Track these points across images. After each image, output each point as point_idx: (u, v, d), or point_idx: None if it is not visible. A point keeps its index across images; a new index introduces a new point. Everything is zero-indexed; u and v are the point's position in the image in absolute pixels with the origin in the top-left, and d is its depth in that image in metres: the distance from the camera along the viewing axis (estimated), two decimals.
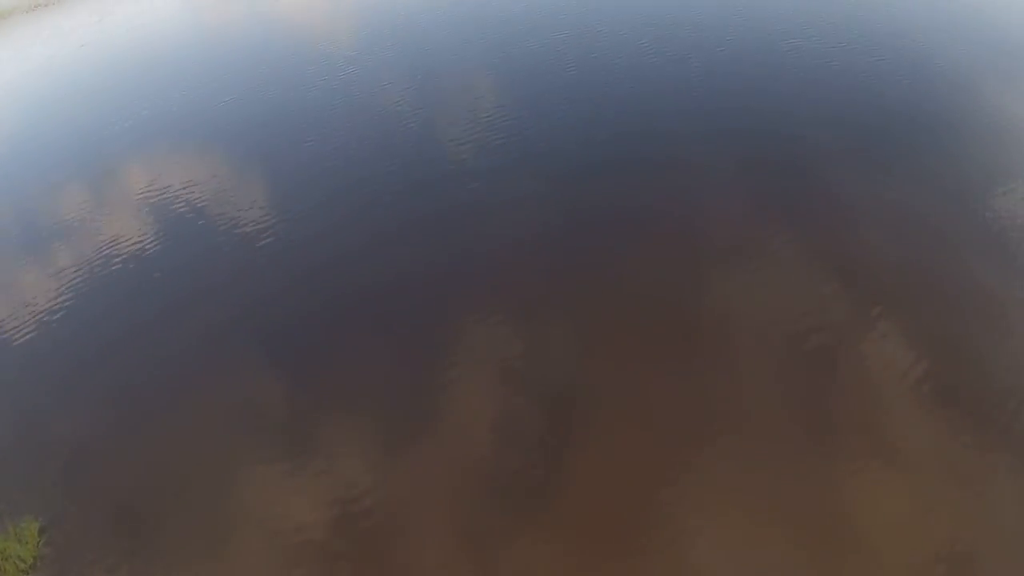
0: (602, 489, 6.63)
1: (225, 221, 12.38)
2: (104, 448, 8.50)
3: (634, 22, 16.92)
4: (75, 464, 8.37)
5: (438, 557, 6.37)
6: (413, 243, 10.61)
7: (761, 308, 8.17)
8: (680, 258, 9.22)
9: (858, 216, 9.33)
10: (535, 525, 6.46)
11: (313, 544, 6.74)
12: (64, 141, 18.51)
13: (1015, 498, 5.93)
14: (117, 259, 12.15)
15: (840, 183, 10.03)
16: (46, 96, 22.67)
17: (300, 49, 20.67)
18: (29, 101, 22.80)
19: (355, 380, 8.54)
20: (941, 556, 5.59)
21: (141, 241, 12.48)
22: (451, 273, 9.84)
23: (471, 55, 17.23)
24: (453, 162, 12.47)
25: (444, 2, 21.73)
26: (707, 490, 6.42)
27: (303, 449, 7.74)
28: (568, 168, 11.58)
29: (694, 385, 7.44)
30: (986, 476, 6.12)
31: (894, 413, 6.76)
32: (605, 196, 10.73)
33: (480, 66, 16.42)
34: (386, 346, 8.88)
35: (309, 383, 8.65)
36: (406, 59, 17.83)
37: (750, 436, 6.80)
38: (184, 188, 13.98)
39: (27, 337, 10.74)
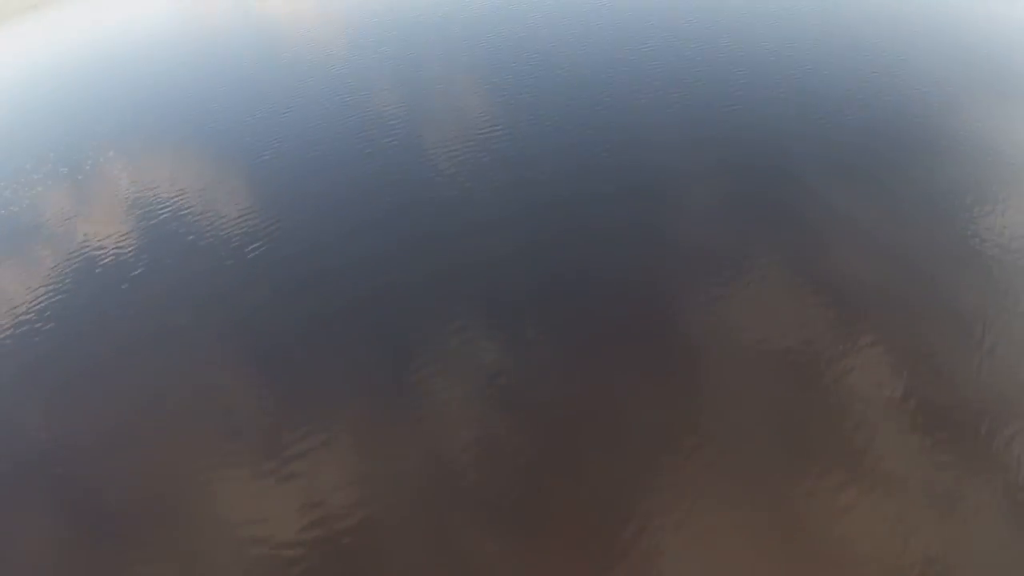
0: (582, 503, 6.58)
1: (208, 229, 12.30)
2: (79, 455, 8.39)
3: (626, 35, 16.97)
4: (46, 470, 8.25)
5: (416, 572, 6.31)
6: (397, 253, 10.56)
7: (742, 326, 8.15)
8: (663, 275, 9.20)
9: (837, 235, 9.35)
10: (514, 540, 6.40)
11: (290, 557, 6.66)
12: (48, 141, 18.41)
13: (991, 517, 5.91)
14: (96, 263, 12.05)
15: (821, 201, 10.05)
16: (34, 96, 22.56)
17: (291, 51, 20.66)
18: (17, 101, 22.69)
19: (336, 390, 8.47)
20: (919, 571, 5.57)
21: (122, 246, 12.39)
22: (435, 286, 9.79)
23: (462, 59, 17.23)
24: (442, 171, 12.43)
25: (430, 12, 21.75)
26: (685, 505, 6.38)
27: (280, 459, 7.65)
28: (554, 183, 11.56)
29: (673, 401, 7.41)
30: (963, 495, 6.10)
31: (872, 432, 6.74)
32: (591, 210, 10.71)
33: (471, 67, 16.43)
34: (368, 357, 8.82)
35: (289, 392, 8.57)
36: (395, 64, 17.82)
37: (729, 453, 6.77)
38: (170, 192, 13.90)
39: (4, 344, 10.62)
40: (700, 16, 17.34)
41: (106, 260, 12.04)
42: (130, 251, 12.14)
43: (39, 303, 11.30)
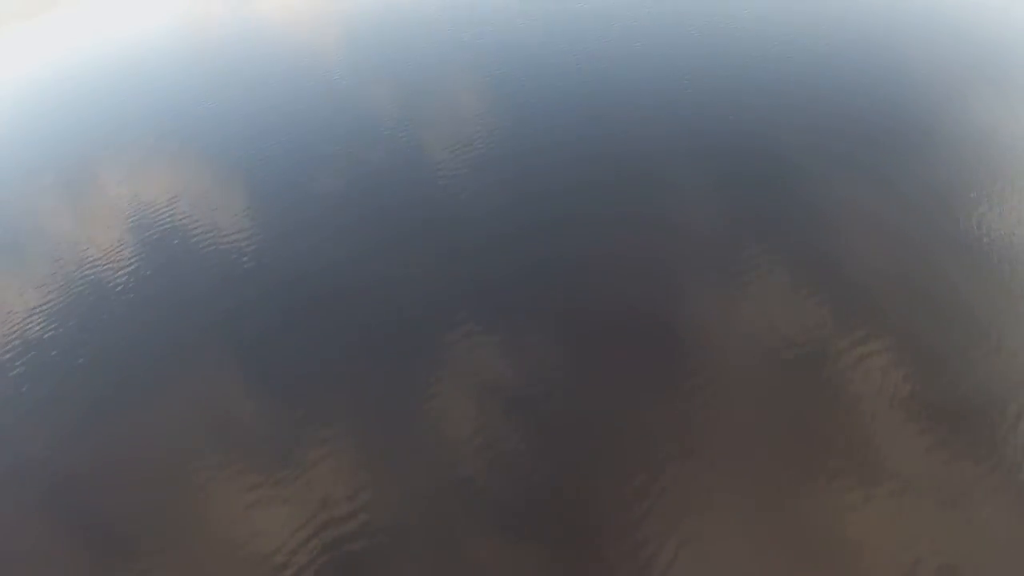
0: (589, 506, 6.56)
1: (207, 234, 12.26)
2: (76, 464, 8.36)
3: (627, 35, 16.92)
4: (44, 479, 8.22)
5: (417, 571, 6.29)
6: (399, 256, 10.52)
7: (748, 326, 8.12)
8: (668, 276, 9.16)
9: (843, 230, 9.31)
10: (520, 544, 6.37)
11: (292, 565, 6.63)
12: (47, 147, 18.34)
13: (1001, 515, 5.88)
14: (93, 269, 12.01)
15: (826, 197, 10.01)
16: (33, 99, 22.48)
17: (289, 55, 20.60)
18: (17, 105, 22.61)
19: (337, 395, 8.43)
20: (931, 571, 5.54)
21: (119, 253, 12.35)
22: (437, 290, 9.75)
23: (459, 64, 17.18)
24: (444, 174, 12.39)
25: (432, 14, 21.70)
26: (693, 507, 6.35)
27: (282, 466, 7.62)
28: (555, 186, 11.51)
29: (681, 403, 7.38)
30: (972, 493, 6.07)
31: (881, 430, 6.71)
32: (594, 213, 10.67)
33: (470, 73, 16.38)
34: (370, 361, 8.78)
35: (289, 398, 8.54)
36: (394, 68, 17.77)
37: (737, 453, 6.74)
38: (168, 199, 13.86)
39: (5, 355, 10.58)
40: (703, 10, 17.30)
41: (106, 267, 11.99)
42: (130, 258, 12.09)
43: (38, 312, 11.25)
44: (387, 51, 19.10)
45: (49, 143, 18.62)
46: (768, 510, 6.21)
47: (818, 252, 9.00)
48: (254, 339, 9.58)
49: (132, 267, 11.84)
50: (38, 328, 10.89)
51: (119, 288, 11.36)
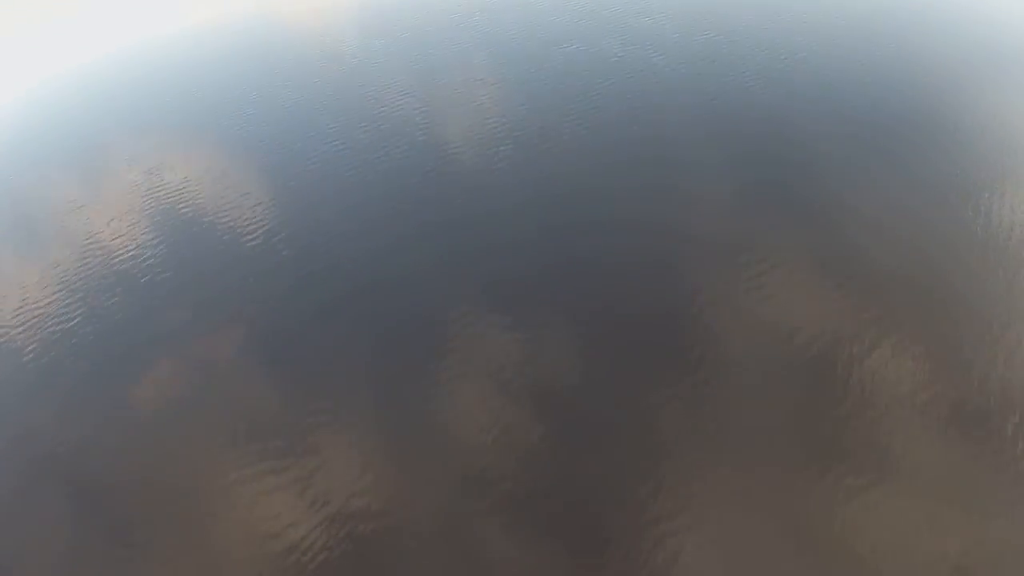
0: (600, 500, 6.55)
1: (222, 223, 12.35)
2: (93, 454, 8.47)
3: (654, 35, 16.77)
4: (57, 465, 8.34)
5: (430, 567, 6.31)
6: (414, 249, 10.54)
7: (765, 324, 8.06)
8: (683, 270, 9.10)
9: (861, 228, 9.19)
10: (531, 536, 6.38)
11: (303, 550, 6.69)
12: (64, 139, 18.55)
13: (1018, 513, 5.80)
14: (107, 256, 12.14)
15: (843, 192, 9.88)
16: (47, 93, 22.73)
17: (303, 47, 20.63)
18: (30, 98, 22.87)
19: (350, 384, 8.48)
20: (944, 572, 5.49)
21: (133, 240, 12.47)
22: (452, 283, 9.76)
23: (474, 56, 17.13)
24: (459, 168, 12.38)
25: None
26: (710, 505, 6.32)
27: (295, 454, 7.69)
28: (569, 186, 11.46)
29: (696, 400, 7.34)
30: (990, 492, 5.99)
31: (899, 430, 6.64)
32: (609, 204, 10.61)
33: (484, 64, 16.32)
34: (386, 356, 8.82)
35: (304, 387, 8.60)
36: (420, 65, 17.74)
37: (753, 452, 6.69)
38: (181, 185, 13.97)
39: (18, 337, 10.73)
40: (717, 9, 17.11)
41: (123, 254, 12.13)
42: (147, 245, 12.22)
43: (54, 300, 11.41)
44: (416, 49, 19.08)
45: (74, 132, 18.83)
46: (781, 510, 6.17)
47: (839, 250, 8.89)
48: (273, 331, 9.65)
49: (146, 254, 11.97)
50: (58, 314, 11.04)
51: (139, 270, 11.48)
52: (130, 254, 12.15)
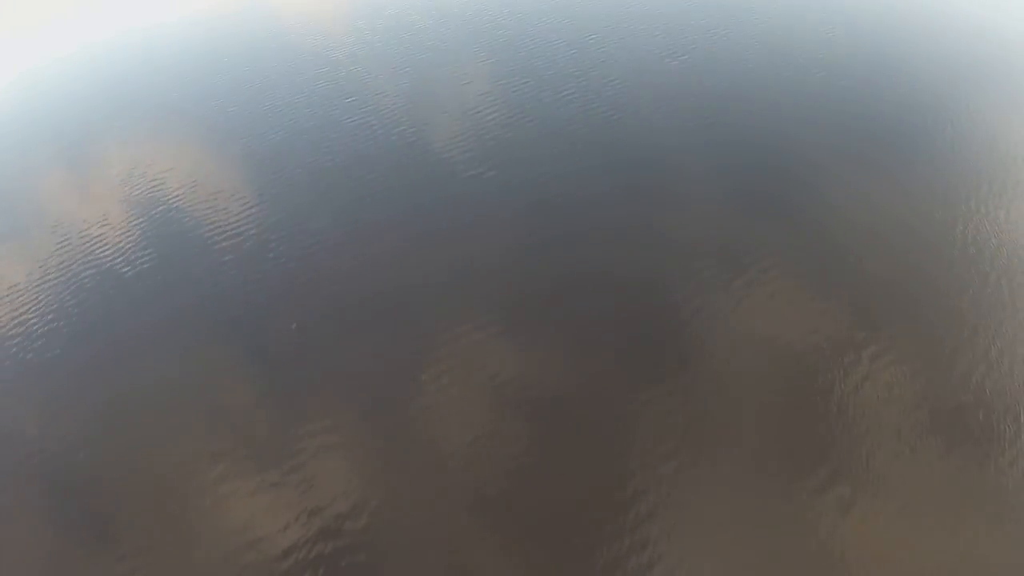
0: (589, 506, 6.56)
1: (213, 224, 12.28)
2: (78, 455, 8.40)
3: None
4: (45, 468, 8.27)
5: (417, 573, 6.30)
6: (405, 254, 10.52)
7: (755, 334, 8.09)
8: (671, 279, 9.13)
9: (852, 237, 9.25)
10: (518, 544, 6.38)
11: (290, 554, 6.67)
12: (55, 134, 18.40)
13: (1005, 525, 5.85)
14: (98, 258, 12.06)
15: (833, 202, 9.94)
16: (42, 90, 22.53)
17: (299, 44, 20.57)
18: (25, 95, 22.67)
19: (340, 389, 8.46)
20: None
21: (128, 241, 12.39)
22: (444, 287, 9.75)
23: (468, 54, 17.13)
24: (452, 170, 12.37)
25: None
26: (697, 514, 6.34)
27: (284, 458, 7.66)
28: (564, 190, 11.47)
29: (684, 409, 7.36)
30: (982, 504, 6.03)
31: (888, 441, 6.68)
32: (601, 211, 10.62)
33: (479, 63, 16.32)
34: (373, 356, 8.80)
35: (293, 391, 8.56)
36: (404, 64, 17.72)
37: (742, 462, 6.72)
38: (172, 184, 13.88)
39: (2, 334, 10.64)
40: (710, 12, 17.19)
41: (112, 256, 12.04)
42: (136, 247, 12.14)
43: (42, 300, 11.31)
44: (413, 53, 19.04)
45: (65, 126, 18.67)
46: (768, 521, 6.19)
47: (827, 258, 8.94)
48: (262, 336, 9.61)
49: (141, 254, 11.88)
50: (44, 315, 10.95)
51: (127, 273, 11.41)
52: (119, 252, 12.05)
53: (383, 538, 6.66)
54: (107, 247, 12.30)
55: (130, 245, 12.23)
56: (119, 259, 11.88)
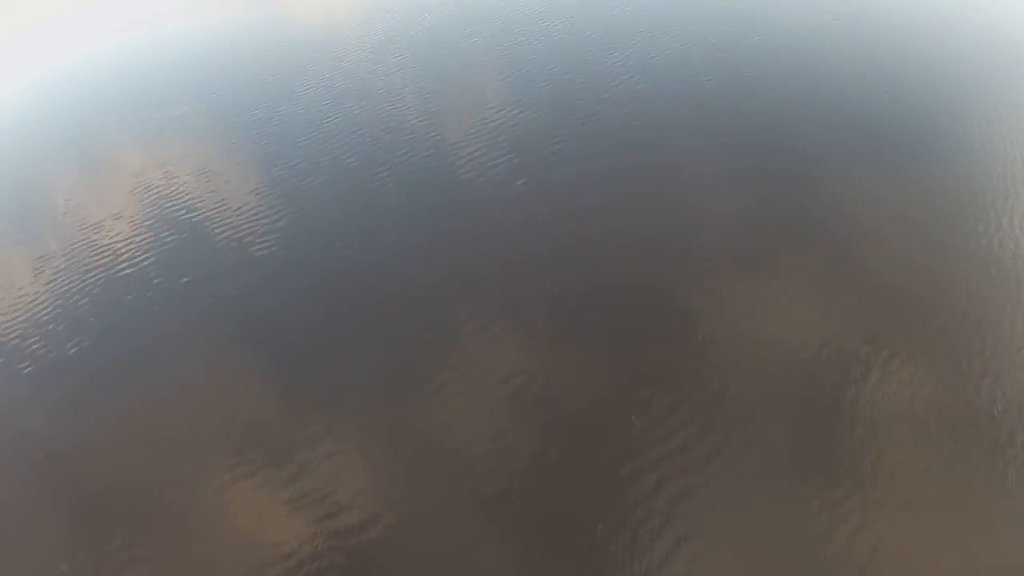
0: (596, 511, 6.48)
1: (218, 227, 12.20)
2: (88, 459, 8.31)
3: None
4: (54, 472, 8.18)
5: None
6: (412, 251, 10.44)
7: (763, 334, 8.02)
8: (683, 277, 9.06)
9: (861, 237, 9.19)
10: (525, 548, 6.30)
11: (298, 558, 6.58)
12: (58, 136, 18.33)
13: (1018, 532, 5.78)
14: (102, 257, 11.97)
15: (845, 205, 9.88)
16: (50, 91, 22.47)
17: (306, 47, 20.54)
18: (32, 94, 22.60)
19: (349, 392, 8.37)
20: None
21: (132, 242, 12.30)
22: (450, 285, 9.67)
23: (478, 56, 17.09)
24: (462, 171, 12.31)
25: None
26: (707, 518, 6.26)
27: (293, 462, 7.56)
28: (570, 186, 11.42)
29: (693, 411, 7.28)
30: (994, 508, 5.96)
31: (900, 447, 6.60)
32: (616, 216, 10.55)
33: (488, 64, 16.29)
34: (379, 356, 8.71)
35: (302, 396, 8.47)
36: (412, 65, 17.68)
37: (753, 467, 6.64)
38: (182, 189, 13.80)
39: (11, 340, 10.54)
40: (719, 9, 17.18)
41: (121, 260, 11.94)
42: (145, 248, 12.04)
43: (49, 303, 11.21)
44: (429, 57, 19.01)
45: (76, 126, 18.61)
46: (779, 526, 6.10)
47: (838, 260, 8.87)
48: (272, 338, 9.51)
49: (140, 258, 11.79)
50: (54, 312, 10.85)
51: (137, 277, 11.31)
52: (128, 256, 11.95)
53: (394, 541, 6.57)
54: (117, 252, 12.17)
55: (139, 249, 12.10)
56: (128, 264, 11.77)
